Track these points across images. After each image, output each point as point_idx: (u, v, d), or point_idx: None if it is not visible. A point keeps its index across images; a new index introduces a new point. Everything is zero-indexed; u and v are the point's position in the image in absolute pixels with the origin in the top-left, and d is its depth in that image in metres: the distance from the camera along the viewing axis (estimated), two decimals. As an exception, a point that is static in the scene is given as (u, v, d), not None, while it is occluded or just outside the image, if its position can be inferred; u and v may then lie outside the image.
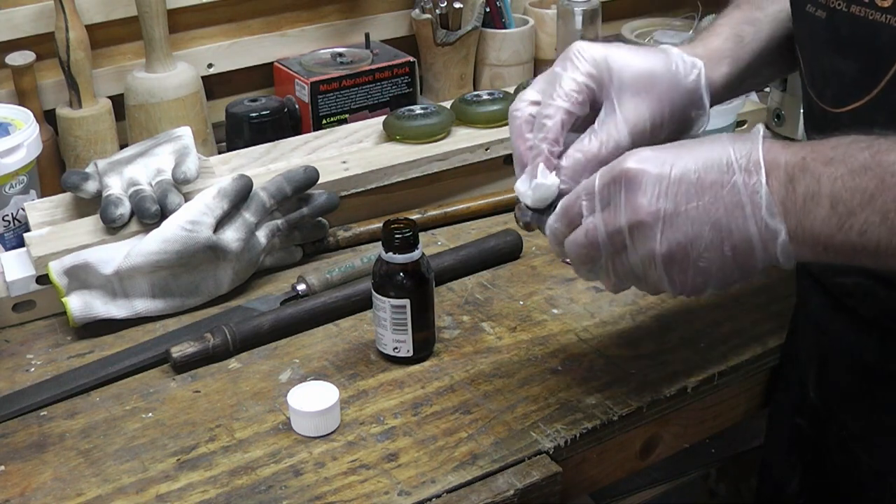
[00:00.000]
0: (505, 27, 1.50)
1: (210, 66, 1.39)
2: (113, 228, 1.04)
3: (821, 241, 0.65)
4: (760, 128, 0.67)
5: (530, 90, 0.79)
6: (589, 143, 0.76)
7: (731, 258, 0.67)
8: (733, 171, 0.66)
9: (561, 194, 0.75)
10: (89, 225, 1.05)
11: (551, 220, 0.74)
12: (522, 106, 0.78)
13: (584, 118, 0.78)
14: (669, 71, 0.79)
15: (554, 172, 0.75)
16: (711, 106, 0.83)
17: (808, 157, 0.65)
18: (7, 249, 1.09)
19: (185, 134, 1.12)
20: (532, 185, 0.75)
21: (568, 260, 0.76)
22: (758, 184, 0.65)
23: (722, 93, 0.84)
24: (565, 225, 0.72)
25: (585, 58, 0.77)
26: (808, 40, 0.80)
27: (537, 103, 0.78)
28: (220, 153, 1.28)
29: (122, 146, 1.25)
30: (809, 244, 0.65)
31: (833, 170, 0.63)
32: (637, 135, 0.76)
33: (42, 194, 1.16)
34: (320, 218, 1.11)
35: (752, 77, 0.87)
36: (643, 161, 0.68)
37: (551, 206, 0.75)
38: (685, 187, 0.66)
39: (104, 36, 1.31)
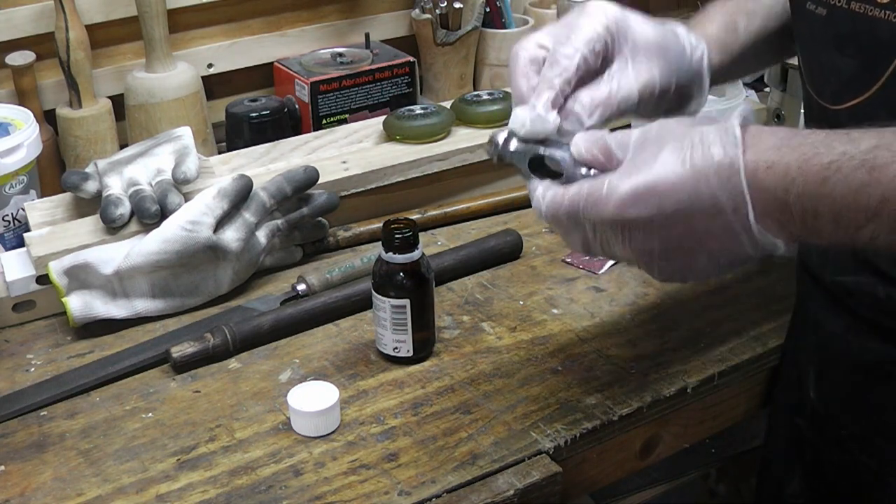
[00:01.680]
0: (505, 27, 1.50)
1: (210, 66, 1.39)
2: (113, 228, 1.04)
3: (823, 243, 0.65)
4: (737, 131, 0.65)
5: (539, 34, 0.77)
6: (598, 89, 0.75)
7: (722, 264, 0.68)
8: (722, 210, 0.64)
9: (559, 134, 0.73)
10: (89, 225, 1.05)
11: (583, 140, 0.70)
12: (529, 46, 0.76)
13: (588, 75, 0.76)
14: (679, 44, 0.80)
15: (556, 112, 0.73)
16: None
17: (798, 181, 0.62)
18: (7, 249, 1.09)
19: (185, 134, 1.12)
20: (532, 115, 0.73)
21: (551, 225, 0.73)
22: (747, 218, 0.64)
23: (712, 78, 0.84)
24: (601, 157, 0.69)
25: (604, 12, 0.76)
26: (809, 38, 0.80)
27: (545, 48, 0.76)
28: (220, 153, 1.28)
29: (122, 146, 1.25)
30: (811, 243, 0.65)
31: (831, 190, 0.62)
32: (646, 94, 0.76)
33: (42, 194, 1.16)
34: (320, 218, 1.11)
35: (738, 67, 0.88)
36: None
37: (538, 161, 0.73)
38: (679, 230, 0.66)
39: (104, 36, 1.31)
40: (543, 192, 0.70)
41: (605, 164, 0.69)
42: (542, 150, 0.73)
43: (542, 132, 0.73)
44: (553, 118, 0.73)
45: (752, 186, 0.63)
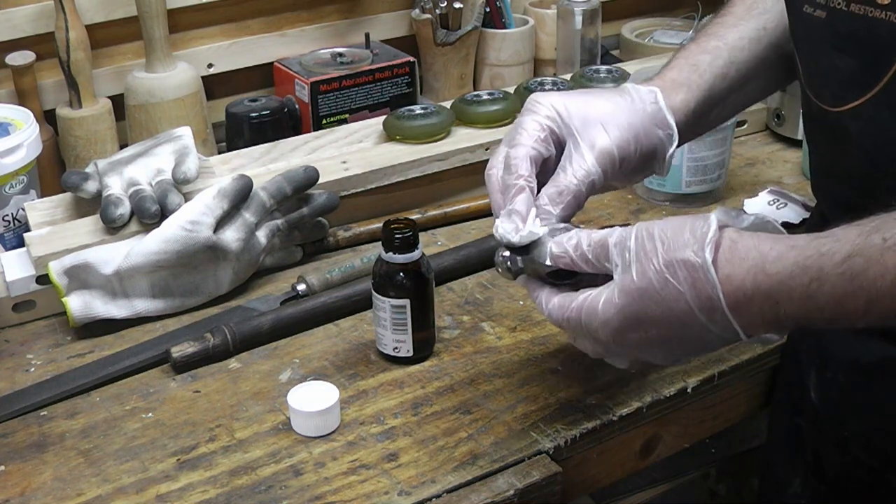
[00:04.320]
0: (505, 27, 1.50)
1: (210, 66, 1.39)
2: (113, 228, 1.04)
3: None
4: (709, 266, 0.66)
5: (500, 147, 0.79)
6: (563, 176, 0.76)
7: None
8: (712, 331, 0.68)
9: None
10: (89, 225, 1.05)
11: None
12: (496, 164, 0.78)
13: (550, 165, 0.78)
14: (626, 101, 0.80)
15: (538, 220, 0.74)
16: (686, 136, 0.84)
17: (783, 303, 0.65)
18: (7, 249, 1.09)
19: (185, 134, 1.12)
20: (524, 232, 0.74)
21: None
22: (737, 336, 0.68)
23: (690, 119, 0.83)
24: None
25: (542, 103, 0.78)
26: (806, 40, 0.80)
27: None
28: (220, 153, 1.28)
29: (122, 146, 1.25)
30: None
31: (818, 303, 0.64)
32: (606, 162, 0.77)
33: (42, 194, 1.16)
34: (320, 218, 1.11)
35: (718, 102, 0.87)
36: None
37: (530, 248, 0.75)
38: (676, 343, 0.71)
39: (104, 36, 1.32)
40: (547, 298, 0.74)
41: (595, 268, 0.72)
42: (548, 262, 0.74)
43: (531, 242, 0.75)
44: (541, 231, 0.74)
45: (737, 317, 0.67)
